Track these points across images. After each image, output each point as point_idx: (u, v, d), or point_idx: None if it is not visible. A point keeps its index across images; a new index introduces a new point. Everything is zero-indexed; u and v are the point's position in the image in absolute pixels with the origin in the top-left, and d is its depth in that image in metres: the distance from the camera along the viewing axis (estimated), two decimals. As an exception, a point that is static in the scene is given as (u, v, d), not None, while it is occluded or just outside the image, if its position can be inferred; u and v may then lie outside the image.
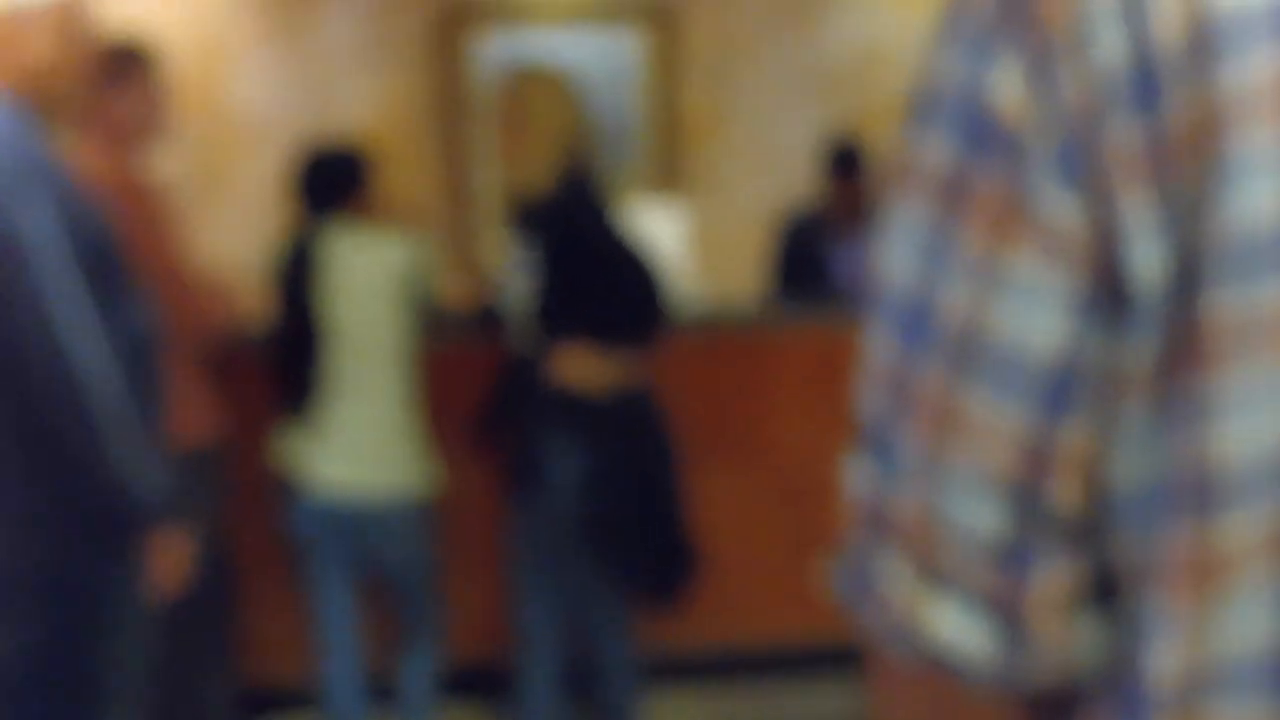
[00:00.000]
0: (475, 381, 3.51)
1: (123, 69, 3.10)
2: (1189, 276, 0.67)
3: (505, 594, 3.38)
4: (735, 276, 5.74)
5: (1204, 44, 0.66)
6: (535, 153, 3.31)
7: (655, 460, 3.29)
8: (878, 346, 0.75)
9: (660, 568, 3.29)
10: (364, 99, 6.08)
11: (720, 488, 4.07)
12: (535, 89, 3.36)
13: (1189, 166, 0.67)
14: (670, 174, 6.34)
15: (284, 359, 3.44)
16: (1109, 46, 0.68)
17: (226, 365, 3.52)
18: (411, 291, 3.40)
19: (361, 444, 3.36)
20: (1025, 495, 0.71)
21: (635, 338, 3.25)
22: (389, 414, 3.39)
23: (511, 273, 3.36)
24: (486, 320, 3.50)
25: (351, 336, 3.36)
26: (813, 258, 4.79)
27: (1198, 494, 0.68)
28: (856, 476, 0.77)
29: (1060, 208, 0.69)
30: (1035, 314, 0.70)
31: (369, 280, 3.36)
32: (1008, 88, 0.70)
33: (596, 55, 6.31)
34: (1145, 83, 0.67)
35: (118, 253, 2.23)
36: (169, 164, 3.91)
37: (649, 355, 3.31)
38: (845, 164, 4.81)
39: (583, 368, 3.22)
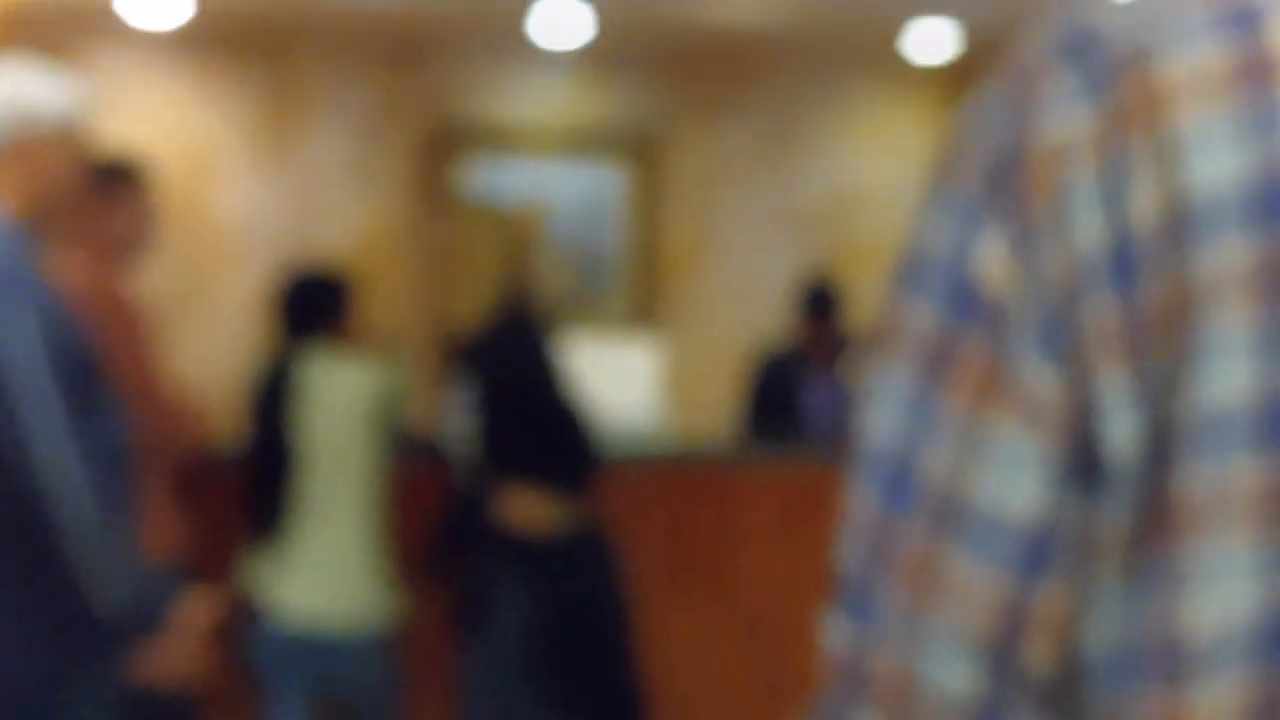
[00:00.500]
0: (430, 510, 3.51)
1: (114, 186, 3.14)
2: (1162, 449, 0.70)
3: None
4: (710, 411, 5.77)
5: (1178, 228, 0.70)
6: (473, 290, 3.39)
7: (603, 605, 3.29)
8: (859, 504, 0.77)
9: (607, 713, 3.27)
10: (348, 219, 6.15)
11: (689, 625, 4.05)
12: (474, 226, 3.46)
13: (1163, 344, 0.70)
14: (648, 307, 6.40)
15: (255, 481, 3.44)
16: (1088, 227, 0.71)
17: (195, 484, 3.51)
18: (384, 417, 3.41)
19: (328, 570, 3.34)
20: (1000, 655, 0.72)
21: (566, 481, 3.27)
22: (357, 541, 3.38)
23: (454, 410, 3.39)
24: (428, 453, 3.51)
25: (324, 462, 3.36)
26: (786, 396, 4.83)
27: (1168, 662, 0.70)
28: (833, 630, 0.78)
29: (1040, 378, 0.71)
30: (1014, 479, 0.72)
31: (344, 406, 3.38)
32: (993, 259, 0.73)
33: (579, 186, 6.40)
34: (1122, 263, 0.70)
35: (98, 367, 2.25)
36: (152, 278, 3.93)
37: (590, 497, 3.32)
38: (820, 304, 4.87)
39: (528, 509, 3.23)
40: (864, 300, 5.30)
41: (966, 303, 0.73)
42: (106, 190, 3.11)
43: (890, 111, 6.70)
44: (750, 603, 4.13)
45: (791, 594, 3.93)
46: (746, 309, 6.35)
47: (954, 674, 0.72)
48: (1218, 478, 0.69)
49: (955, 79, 6.49)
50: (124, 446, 2.30)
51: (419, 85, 6.32)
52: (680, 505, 4.13)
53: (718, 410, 5.64)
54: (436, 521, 3.44)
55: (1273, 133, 0.70)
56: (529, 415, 3.27)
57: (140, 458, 2.46)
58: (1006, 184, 0.73)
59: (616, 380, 4.36)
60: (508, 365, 3.32)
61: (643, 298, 6.43)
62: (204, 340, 5.84)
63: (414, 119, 6.29)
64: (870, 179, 6.58)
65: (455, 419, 3.38)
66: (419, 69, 6.32)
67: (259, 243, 6.01)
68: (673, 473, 4.15)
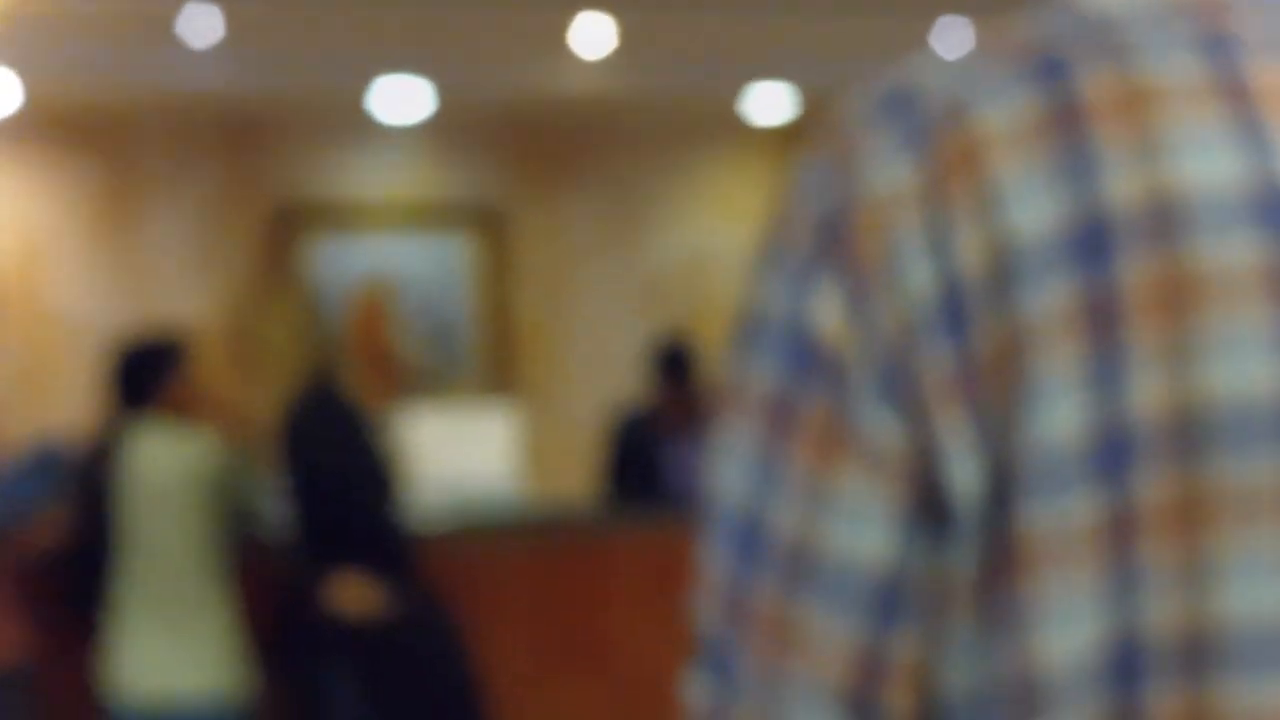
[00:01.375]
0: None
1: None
2: (1002, 491, 0.71)
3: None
4: (570, 478, 5.75)
5: (1003, 274, 0.72)
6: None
7: (442, 684, 3.24)
8: (712, 563, 0.77)
9: None
10: (192, 305, 6.03)
11: (562, 696, 4.02)
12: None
13: (997, 388, 0.71)
14: (503, 378, 6.39)
15: (81, 567, 3.32)
16: (918, 278, 0.73)
17: (40, 578, 3.39)
18: (220, 494, 3.31)
19: (164, 651, 3.24)
20: (860, 705, 0.73)
21: (386, 562, 3.23)
22: (193, 621, 3.27)
23: (275, 499, 3.34)
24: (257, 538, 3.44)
25: (151, 541, 3.25)
26: (645, 458, 4.85)
27: (1022, 701, 0.71)
28: (695, 690, 0.78)
29: (881, 428, 0.73)
30: (861, 530, 0.73)
31: (169, 480, 3.26)
32: (828, 315, 0.74)
33: (429, 261, 6.38)
34: (953, 310, 0.72)
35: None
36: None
37: (417, 574, 3.28)
38: (674, 365, 4.91)
39: (351, 595, 3.17)
40: (719, 361, 5.35)
41: (805, 359, 0.75)
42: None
43: (733, 174, 6.81)
44: (623, 669, 4.11)
45: (664, 658, 3.92)
46: (601, 375, 6.37)
47: None
48: (1056, 516, 0.71)
49: (794, 139, 6.62)
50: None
51: (260, 166, 6.26)
52: (545, 574, 4.10)
53: (578, 477, 5.63)
54: (267, 609, 3.36)
55: (1086, 177, 0.72)
56: (338, 499, 3.23)
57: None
58: (836, 241, 0.75)
59: (474, 451, 4.32)
60: (312, 447, 3.28)
61: (497, 368, 6.41)
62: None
63: (256, 201, 6.22)
64: (717, 241, 6.66)
65: (278, 507, 3.33)
66: (259, 150, 6.26)
67: (99, 331, 5.87)
68: (536, 541, 4.12)
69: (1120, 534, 0.70)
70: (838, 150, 0.77)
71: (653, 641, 4.08)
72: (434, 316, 6.25)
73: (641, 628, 4.11)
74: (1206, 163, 0.72)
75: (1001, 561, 0.71)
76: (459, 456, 3.82)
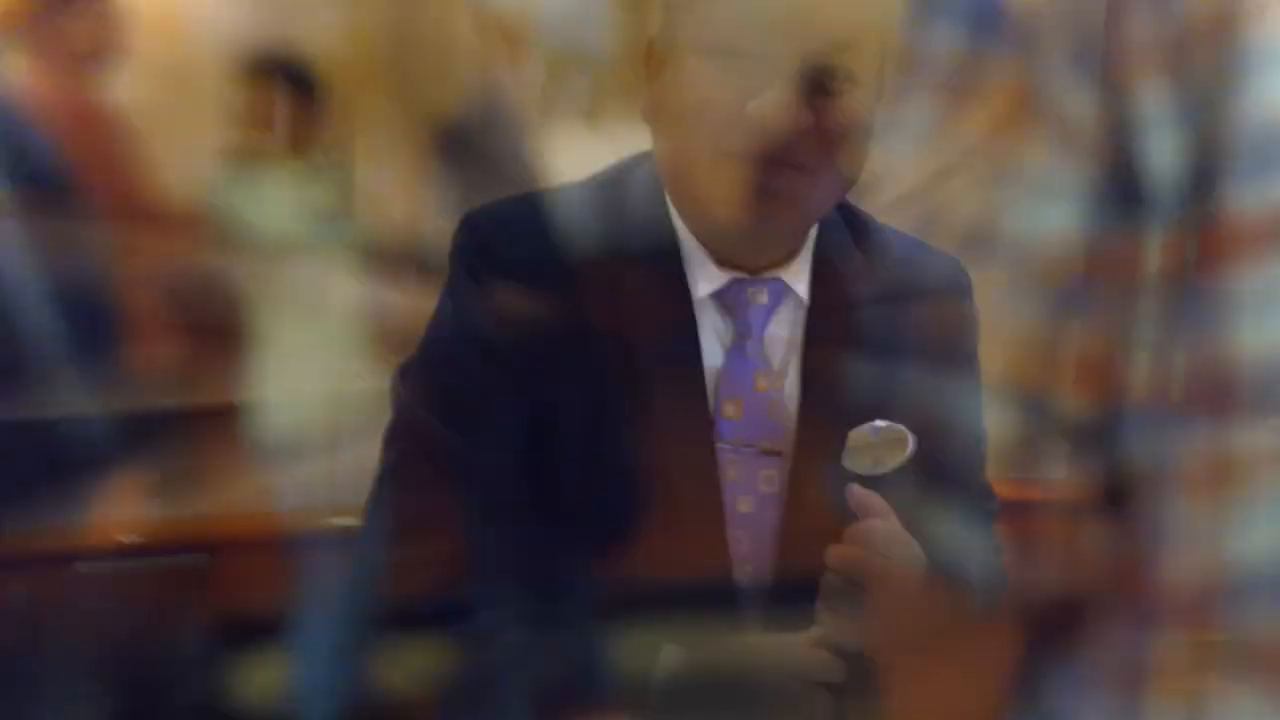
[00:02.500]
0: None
1: (77, -12, 3.05)
2: (1206, 171, 0.66)
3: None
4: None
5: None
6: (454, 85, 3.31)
7: None
8: None
9: None
10: (326, 12, 5.99)
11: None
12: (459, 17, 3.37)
13: (1205, 57, 0.65)
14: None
15: None
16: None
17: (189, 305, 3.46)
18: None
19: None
20: (1037, 398, 0.71)
21: None
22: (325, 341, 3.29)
23: (437, 213, 3.32)
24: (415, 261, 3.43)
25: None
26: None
27: (1218, 395, 0.68)
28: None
29: (1073, 99, 0.67)
30: (1047, 208, 0.69)
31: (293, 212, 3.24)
32: (1018, -25, 0.68)
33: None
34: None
35: (69, 184, 2.20)
36: (129, 89, 3.86)
37: None
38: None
39: None
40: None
41: (992, 27, 0.70)
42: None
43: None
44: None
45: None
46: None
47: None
48: (1267, 198, 0.65)
49: None
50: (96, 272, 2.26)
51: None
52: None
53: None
54: None
55: None
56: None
57: (127, 280, 2.44)
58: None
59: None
60: (485, 162, 3.26)
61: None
62: (187, 155, 5.77)
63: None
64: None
65: (438, 221, 3.33)
66: None
67: (240, 47, 5.88)
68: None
69: None
70: None
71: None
72: (574, 42, 6.17)
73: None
74: None
75: (1202, 247, 0.66)
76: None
